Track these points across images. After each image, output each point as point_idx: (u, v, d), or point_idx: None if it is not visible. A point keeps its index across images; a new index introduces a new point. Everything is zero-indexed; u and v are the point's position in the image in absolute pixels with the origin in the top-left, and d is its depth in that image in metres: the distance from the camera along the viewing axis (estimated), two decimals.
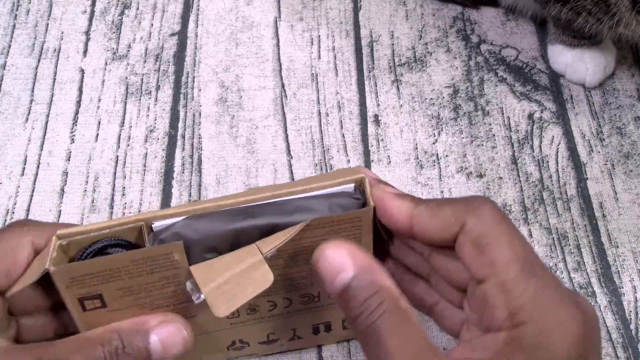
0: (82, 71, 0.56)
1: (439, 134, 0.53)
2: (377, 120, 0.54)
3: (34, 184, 0.50)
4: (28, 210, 0.49)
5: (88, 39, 0.58)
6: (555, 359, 0.26)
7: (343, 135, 0.53)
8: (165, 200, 0.50)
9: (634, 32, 0.49)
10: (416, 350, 0.27)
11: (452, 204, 0.31)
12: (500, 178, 0.51)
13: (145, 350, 0.32)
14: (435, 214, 0.30)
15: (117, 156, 0.52)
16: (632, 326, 0.44)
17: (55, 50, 0.57)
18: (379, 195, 0.33)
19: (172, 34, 0.59)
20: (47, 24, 0.59)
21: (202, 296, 0.32)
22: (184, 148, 0.52)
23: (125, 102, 0.55)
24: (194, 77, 0.56)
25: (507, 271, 0.28)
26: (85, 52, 0.57)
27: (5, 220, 0.48)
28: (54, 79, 0.56)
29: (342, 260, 0.29)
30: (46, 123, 0.53)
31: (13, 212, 0.49)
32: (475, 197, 0.32)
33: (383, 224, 0.33)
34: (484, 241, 0.29)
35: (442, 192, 0.50)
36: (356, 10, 0.61)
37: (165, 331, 0.33)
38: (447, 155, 0.52)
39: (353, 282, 0.29)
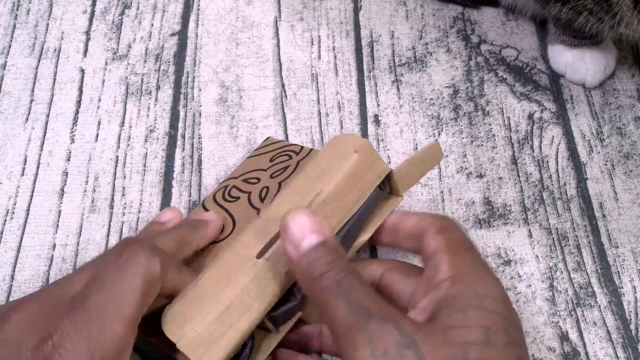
0: (82, 71, 0.56)
1: (439, 134, 0.53)
2: (377, 120, 0.54)
3: (34, 184, 0.50)
4: (28, 210, 0.49)
5: (88, 39, 0.58)
6: (496, 311, 0.31)
7: None
8: (165, 201, 0.50)
9: (635, 32, 0.49)
10: (383, 301, 0.31)
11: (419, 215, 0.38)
12: (500, 178, 0.51)
13: None
14: (409, 217, 0.38)
15: (117, 156, 0.52)
16: (632, 326, 0.44)
17: (55, 50, 0.57)
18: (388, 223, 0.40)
19: (173, 34, 0.59)
20: (48, 24, 0.59)
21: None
22: (184, 148, 0.52)
23: (125, 102, 0.55)
24: (194, 77, 0.56)
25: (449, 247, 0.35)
26: (85, 52, 0.57)
27: (5, 220, 0.48)
28: (54, 79, 0.56)
29: (314, 226, 0.33)
30: (46, 123, 0.53)
31: (13, 212, 0.49)
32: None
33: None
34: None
35: (442, 192, 0.50)
36: (356, 10, 0.61)
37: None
38: (447, 155, 0.52)
39: (325, 244, 0.33)
